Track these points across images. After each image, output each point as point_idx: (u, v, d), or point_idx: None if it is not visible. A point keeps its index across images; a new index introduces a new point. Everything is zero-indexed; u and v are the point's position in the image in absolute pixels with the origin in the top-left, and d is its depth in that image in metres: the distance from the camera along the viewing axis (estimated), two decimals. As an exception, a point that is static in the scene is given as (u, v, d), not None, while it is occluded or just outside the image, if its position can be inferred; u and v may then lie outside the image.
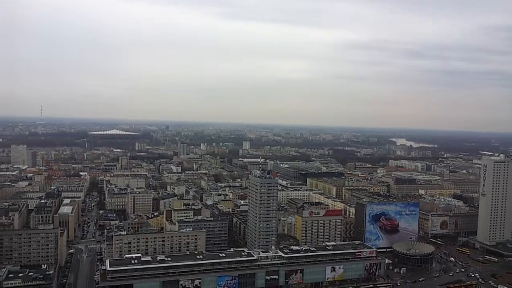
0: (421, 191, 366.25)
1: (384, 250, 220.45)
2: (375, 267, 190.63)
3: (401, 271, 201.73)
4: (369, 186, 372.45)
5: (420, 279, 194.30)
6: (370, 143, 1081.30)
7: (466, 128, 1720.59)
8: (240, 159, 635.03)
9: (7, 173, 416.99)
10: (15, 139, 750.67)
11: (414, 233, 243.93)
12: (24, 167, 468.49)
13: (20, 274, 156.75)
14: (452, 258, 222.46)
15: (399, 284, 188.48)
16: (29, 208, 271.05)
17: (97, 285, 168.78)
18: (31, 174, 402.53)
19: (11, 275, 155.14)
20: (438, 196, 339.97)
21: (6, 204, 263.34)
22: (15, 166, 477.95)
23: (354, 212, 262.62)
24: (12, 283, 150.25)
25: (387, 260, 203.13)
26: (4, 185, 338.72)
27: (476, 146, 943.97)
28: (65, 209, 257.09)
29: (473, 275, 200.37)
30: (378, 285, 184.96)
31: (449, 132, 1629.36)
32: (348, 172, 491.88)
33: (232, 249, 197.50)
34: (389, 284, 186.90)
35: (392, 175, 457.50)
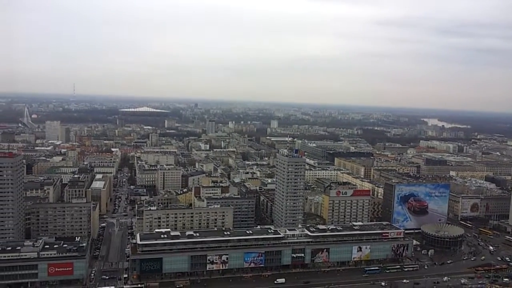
0: (452, 173, 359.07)
1: (412, 231, 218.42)
2: (402, 248, 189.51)
3: (429, 253, 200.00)
4: (399, 167, 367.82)
5: (448, 262, 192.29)
6: (400, 123, 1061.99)
7: (501, 109, 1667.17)
8: (268, 137, 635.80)
9: (42, 148, 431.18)
10: (49, 115, 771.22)
11: (443, 215, 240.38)
12: (58, 143, 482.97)
13: (55, 246, 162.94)
14: (492, 247, 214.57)
15: (426, 266, 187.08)
16: (63, 182, 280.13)
17: (128, 258, 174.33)
18: (65, 150, 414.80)
19: (47, 246, 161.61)
20: (469, 178, 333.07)
21: (42, 178, 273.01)
22: (50, 141, 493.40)
23: (382, 192, 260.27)
24: (48, 254, 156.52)
25: (415, 242, 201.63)
26: (39, 160, 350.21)
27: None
28: (97, 184, 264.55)
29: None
30: (405, 266, 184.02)
31: (483, 112, 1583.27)
32: (377, 152, 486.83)
33: (259, 227, 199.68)
34: (416, 266, 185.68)
35: (423, 156, 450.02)
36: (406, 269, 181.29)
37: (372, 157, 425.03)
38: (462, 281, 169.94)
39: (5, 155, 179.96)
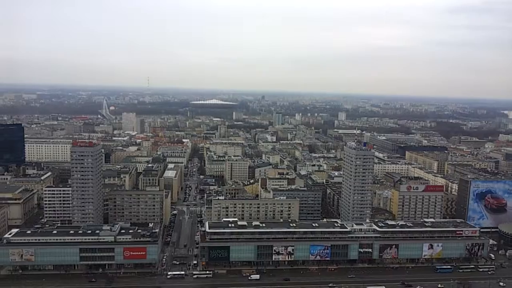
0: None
1: (489, 230, 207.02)
2: (477, 247, 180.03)
3: (507, 254, 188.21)
4: (475, 162, 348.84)
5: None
6: (478, 116, 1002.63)
7: None
8: (335, 130, 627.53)
9: (119, 138, 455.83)
10: (125, 107, 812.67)
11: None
12: (133, 133, 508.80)
13: (130, 231, 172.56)
14: None
15: (502, 268, 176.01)
16: (138, 171, 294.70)
17: (197, 245, 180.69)
18: (139, 140, 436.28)
19: (123, 231, 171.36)
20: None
21: (119, 166, 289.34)
22: (126, 132, 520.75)
23: (456, 188, 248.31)
24: (123, 238, 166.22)
25: (491, 241, 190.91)
26: (116, 150, 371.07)
27: None
28: (169, 173, 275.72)
29: None
30: (480, 266, 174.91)
31: None
32: (452, 146, 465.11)
33: (325, 220, 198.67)
34: (493, 266, 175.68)
35: (502, 150, 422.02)
36: (481, 270, 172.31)
37: (446, 151, 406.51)
38: None
39: (86, 144, 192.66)
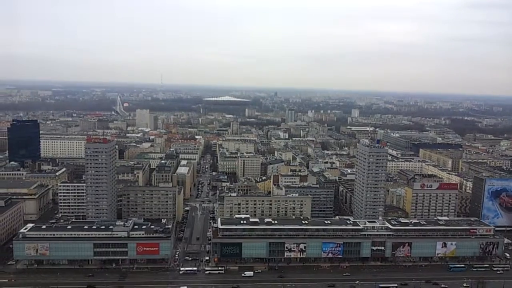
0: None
1: (504, 229, 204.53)
2: (491, 246, 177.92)
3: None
4: (490, 160, 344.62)
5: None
6: (493, 113, 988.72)
7: None
8: (348, 127, 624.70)
9: (133, 135, 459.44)
10: (139, 104, 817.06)
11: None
12: (147, 130, 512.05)
13: (143, 226, 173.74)
14: None
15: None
16: (151, 167, 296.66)
17: (209, 241, 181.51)
18: (153, 137, 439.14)
19: (136, 227, 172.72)
20: None
21: (132, 163, 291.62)
22: (140, 128, 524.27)
23: (471, 187, 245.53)
24: (137, 234, 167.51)
25: (506, 240, 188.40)
26: (130, 146, 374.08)
27: None
28: (182, 170, 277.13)
29: None
30: (494, 266, 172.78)
31: None
32: (466, 143, 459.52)
33: (337, 217, 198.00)
34: (508, 265, 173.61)
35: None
36: (495, 269, 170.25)
37: (461, 149, 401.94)
38: None
39: (100, 141, 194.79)
